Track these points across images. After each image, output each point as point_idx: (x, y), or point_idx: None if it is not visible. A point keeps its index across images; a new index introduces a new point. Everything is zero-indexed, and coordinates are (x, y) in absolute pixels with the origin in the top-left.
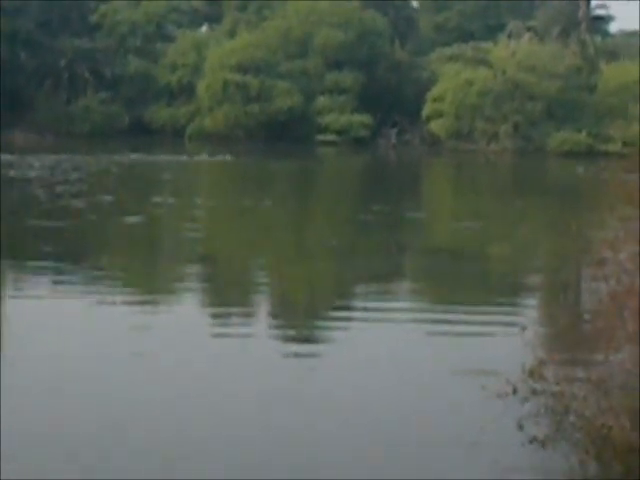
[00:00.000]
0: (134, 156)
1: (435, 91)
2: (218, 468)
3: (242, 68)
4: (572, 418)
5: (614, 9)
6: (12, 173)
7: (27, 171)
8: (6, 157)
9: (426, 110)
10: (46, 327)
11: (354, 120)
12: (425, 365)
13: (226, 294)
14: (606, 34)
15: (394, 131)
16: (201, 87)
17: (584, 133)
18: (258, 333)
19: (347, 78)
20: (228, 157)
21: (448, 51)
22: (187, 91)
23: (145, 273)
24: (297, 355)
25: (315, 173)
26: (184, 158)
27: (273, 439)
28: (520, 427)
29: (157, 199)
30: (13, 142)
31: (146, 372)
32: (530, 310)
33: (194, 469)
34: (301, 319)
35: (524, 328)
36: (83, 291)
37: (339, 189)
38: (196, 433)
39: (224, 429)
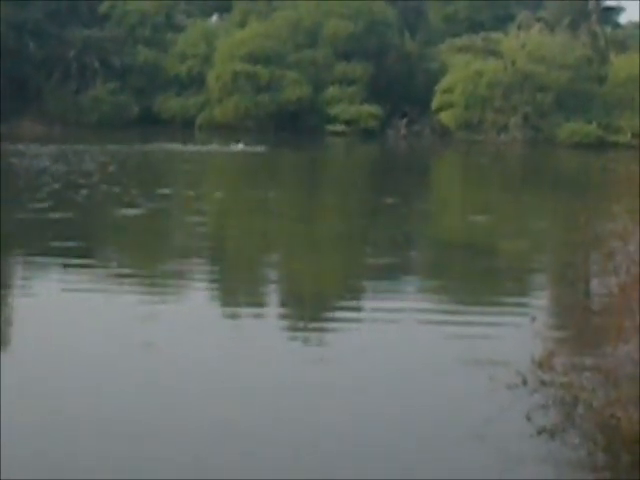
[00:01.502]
0: (145, 146)
1: (445, 82)
2: (219, 460)
3: (252, 58)
4: (581, 409)
5: (624, 0)
6: (19, 162)
7: (35, 161)
8: (14, 146)
9: (436, 101)
10: (55, 320)
11: (363, 111)
12: (433, 356)
13: (235, 286)
14: (616, 25)
15: (404, 122)
16: (211, 77)
17: (594, 124)
18: (268, 325)
19: (356, 69)
20: (240, 147)
21: (458, 42)
22: (197, 81)
23: (154, 266)
24: (305, 348)
25: (325, 164)
26: (194, 148)
27: (277, 430)
28: (529, 418)
29: (166, 190)
30: (22, 132)
31: (156, 365)
32: (540, 302)
33: (200, 464)
34: (310, 312)
35: (534, 319)
36: (91, 284)
37: (349, 181)
38: (201, 427)
39: (228, 423)
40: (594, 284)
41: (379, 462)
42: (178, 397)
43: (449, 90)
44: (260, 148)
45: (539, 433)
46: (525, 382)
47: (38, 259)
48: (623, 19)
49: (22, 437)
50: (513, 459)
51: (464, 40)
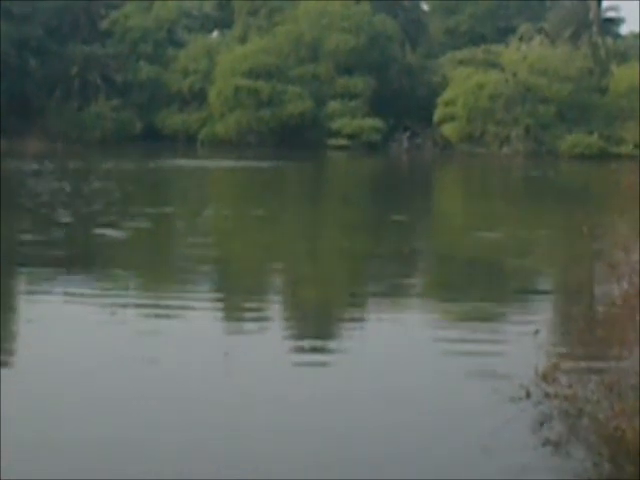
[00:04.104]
0: (147, 163)
1: (446, 95)
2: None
3: (253, 73)
4: (585, 421)
5: (625, 11)
6: (20, 181)
7: (36, 179)
8: (16, 164)
9: (438, 114)
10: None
11: (365, 124)
12: (437, 369)
13: (240, 302)
14: (617, 36)
15: (406, 135)
16: (212, 93)
17: (596, 135)
18: (272, 342)
19: (358, 82)
20: (241, 162)
21: (459, 54)
22: (199, 97)
23: (157, 286)
24: (310, 362)
25: (328, 178)
26: (196, 164)
27: (285, 442)
28: (534, 430)
29: (168, 209)
30: (24, 149)
31: (159, 379)
32: (543, 314)
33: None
34: (316, 329)
35: (537, 331)
36: (93, 303)
37: (353, 196)
38: (205, 439)
39: (236, 437)
40: (597, 295)
41: (384, 472)
42: (179, 413)
43: (451, 103)
44: (262, 163)
45: (544, 445)
46: (529, 395)
47: (41, 280)
48: (624, 30)
49: (25, 447)
50: (518, 470)
51: (465, 53)
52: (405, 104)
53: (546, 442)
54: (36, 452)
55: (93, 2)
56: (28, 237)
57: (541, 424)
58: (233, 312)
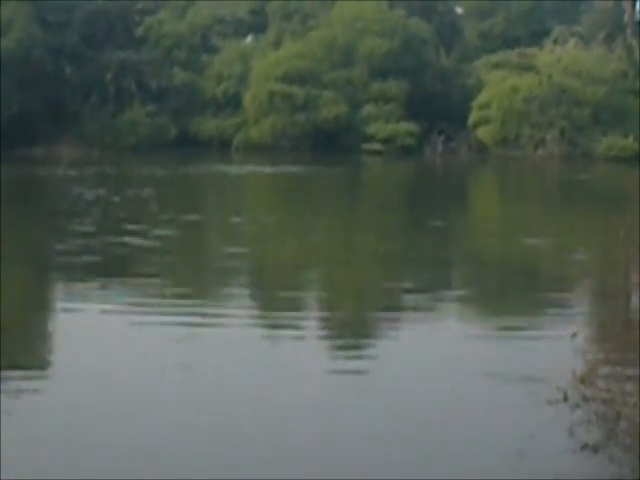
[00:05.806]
0: (182, 168)
1: (481, 98)
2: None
3: (287, 78)
4: (624, 424)
5: None
6: (57, 187)
7: (71, 186)
8: (51, 170)
9: (472, 117)
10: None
11: (400, 129)
12: (473, 372)
13: (273, 310)
14: None
15: (440, 139)
16: (247, 98)
17: (631, 138)
18: (306, 346)
19: (392, 86)
20: (276, 167)
21: (493, 58)
22: (233, 102)
23: (190, 292)
24: (346, 371)
25: (364, 183)
26: (232, 169)
27: (318, 447)
28: (571, 434)
29: (199, 216)
30: (60, 156)
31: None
32: (581, 317)
33: None
34: (351, 338)
35: (575, 334)
36: (127, 312)
37: (388, 201)
38: (232, 449)
39: (271, 445)
40: (635, 299)
41: (418, 474)
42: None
43: (485, 106)
44: (297, 168)
45: (582, 450)
46: (566, 398)
47: (76, 288)
48: None
49: (58, 450)
50: (554, 474)
51: (500, 56)
52: (439, 108)
53: (584, 446)
54: (68, 455)
55: (128, 9)
56: (63, 245)
57: (578, 428)
58: (267, 320)
